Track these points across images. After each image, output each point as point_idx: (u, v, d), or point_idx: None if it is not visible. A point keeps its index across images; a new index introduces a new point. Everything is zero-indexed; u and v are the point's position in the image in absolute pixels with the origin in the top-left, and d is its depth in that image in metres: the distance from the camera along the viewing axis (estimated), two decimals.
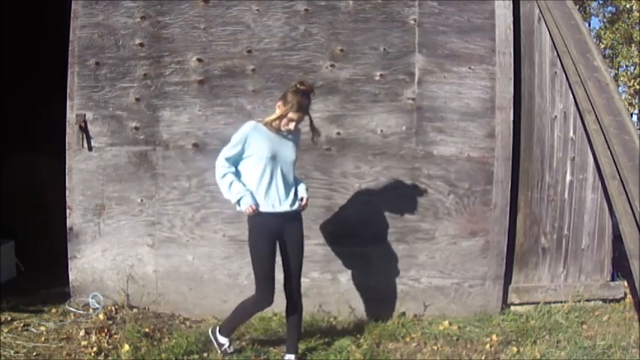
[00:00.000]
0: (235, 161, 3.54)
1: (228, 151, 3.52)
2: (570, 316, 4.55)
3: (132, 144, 4.49)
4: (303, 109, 3.51)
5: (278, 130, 3.56)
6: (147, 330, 4.06)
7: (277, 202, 3.55)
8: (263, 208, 3.53)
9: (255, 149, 3.51)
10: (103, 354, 3.68)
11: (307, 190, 3.76)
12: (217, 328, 3.81)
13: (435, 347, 4.05)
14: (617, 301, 4.87)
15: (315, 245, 4.45)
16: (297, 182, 3.71)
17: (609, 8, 15.29)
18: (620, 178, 4.26)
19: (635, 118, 14.33)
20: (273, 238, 3.59)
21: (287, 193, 3.58)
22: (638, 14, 13.26)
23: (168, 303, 4.51)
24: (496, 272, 4.66)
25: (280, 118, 3.51)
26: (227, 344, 3.76)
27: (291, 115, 3.48)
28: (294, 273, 3.66)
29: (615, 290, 4.89)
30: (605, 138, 4.42)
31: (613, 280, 4.95)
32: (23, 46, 6.10)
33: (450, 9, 4.59)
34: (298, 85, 3.54)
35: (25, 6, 5.87)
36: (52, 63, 5.17)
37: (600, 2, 15.47)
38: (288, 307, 3.69)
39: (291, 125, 3.52)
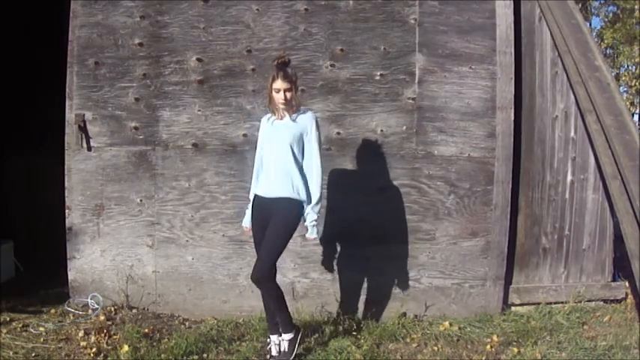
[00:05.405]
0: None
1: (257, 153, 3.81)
2: (571, 317, 4.53)
3: (131, 144, 4.47)
4: (283, 76, 3.57)
5: (282, 116, 3.66)
6: (146, 331, 4.05)
7: (263, 186, 3.69)
8: (255, 191, 3.76)
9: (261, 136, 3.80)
10: (102, 355, 3.68)
11: (314, 225, 3.66)
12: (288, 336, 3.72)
13: (436, 348, 4.04)
14: (619, 301, 4.85)
15: (314, 245, 4.43)
16: (302, 175, 3.65)
17: (610, 8, 15.28)
18: (622, 178, 4.24)
19: (636, 118, 14.30)
20: (260, 222, 3.67)
21: (276, 179, 3.62)
22: (639, 14, 13.23)
23: (168, 303, 4.50)
24: (497, 273, 4.64)
25: (270, 96, 3.65)
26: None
27: (274, 85, 3.59)
28: (260, 255, 3.66)
29: (616, 291, 4.86)
30: (607, 138, 4.40)
31: (614, 280, 4.92)
32: (22, 46, 6.10)
33: (451, 8, 4.57)
34: (273, 62, 3.65)
35: (24, 5, 5.86)
36: (51, 63, 5.16)
37: (601, 2, 15.45)
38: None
39: (280, 97, 3.58)
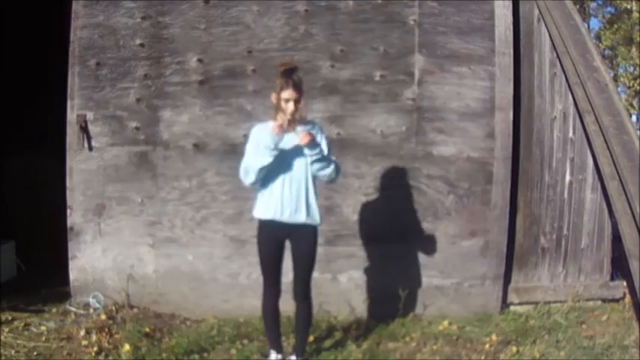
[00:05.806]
0: None
1: None
2: (570, 316, 4.55)
3: (132, 144, 4.49)
4: (292, 85, 3.33)
5: (288, 126, 3.37)
6: (147, 330, 4.06)
7: (275, 206, 3.41)
8: (263, 215, 3.48)
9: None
10: (103, 353, 3.69)
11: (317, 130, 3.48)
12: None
13: (435, 347, 4.06)
14: (617, 301, 4.87)
15: None
16: (314, 191, 3.50)
17: (609, 9, 15.27)
18: (620, 179, 4.26)
19: (634, 118, 14.32)
20: (275, 245, 3.50)
21: (290, 200, 3.40)
22: (638, 15, 13.24)
23: (169, 303, 4.52)
24: (496, 272, 4.66)
25: (277, 104, 3.39)
26: (275, 356, 3.58)
27: (283, 95, 3.33)
28: (298, 279, 3.53)
29: (614, 290, 4.89)
30: (605, 138, 4.42)
31: (612, 280, 4.95)
32: (23, 47, 6.12)
33: (450, 9, 4.59)
34: (279, 67, 3.41)
35: (25, 6, 5.88)
36: (52, 63, 5.17)
37: (600, 3, 15.46)
38: (295, 310, 3.61)
39: (290, 106, 3.33)
